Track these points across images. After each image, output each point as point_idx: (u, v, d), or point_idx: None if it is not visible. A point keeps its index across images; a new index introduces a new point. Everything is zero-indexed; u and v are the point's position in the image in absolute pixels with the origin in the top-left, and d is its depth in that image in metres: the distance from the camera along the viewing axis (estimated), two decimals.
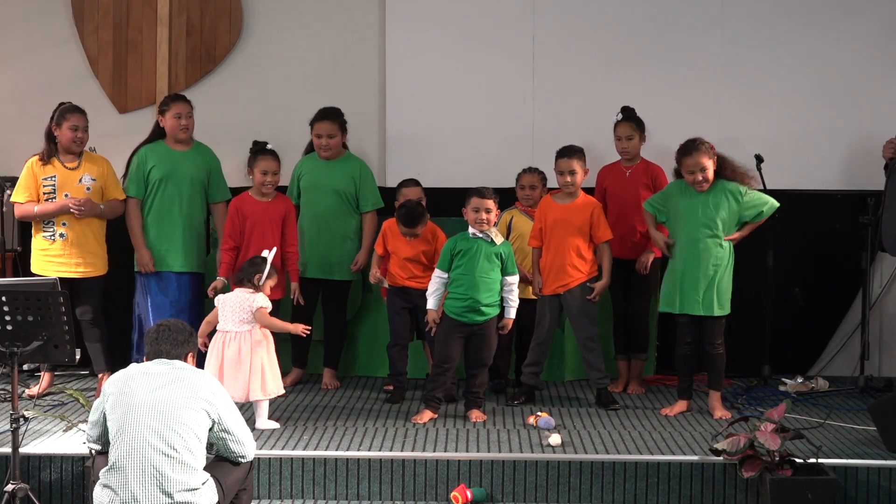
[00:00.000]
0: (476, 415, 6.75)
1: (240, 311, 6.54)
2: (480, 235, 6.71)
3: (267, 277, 6.61)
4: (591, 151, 7.40)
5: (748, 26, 8.20)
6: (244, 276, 6.64)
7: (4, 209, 7.83)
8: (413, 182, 7.60)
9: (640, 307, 7.61)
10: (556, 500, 5.94)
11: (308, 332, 6.67)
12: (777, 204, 6.86)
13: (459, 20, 8.28)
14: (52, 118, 7.21)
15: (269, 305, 6.59)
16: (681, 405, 6.97)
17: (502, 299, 6.82)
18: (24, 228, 8.12)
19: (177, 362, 4.98)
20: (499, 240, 6.76)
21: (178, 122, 7.39)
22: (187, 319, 7.12)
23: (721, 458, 5.81)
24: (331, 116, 7.55)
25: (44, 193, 7.15)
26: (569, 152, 7.12)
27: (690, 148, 6.78)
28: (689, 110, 8.09)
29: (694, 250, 6.81)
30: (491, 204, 6.70)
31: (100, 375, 7.26)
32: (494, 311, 6.78)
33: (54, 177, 7.15)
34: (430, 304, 6.81)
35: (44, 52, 8.41)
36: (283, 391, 6.68)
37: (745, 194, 6.80)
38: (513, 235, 7.43)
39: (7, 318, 5.30)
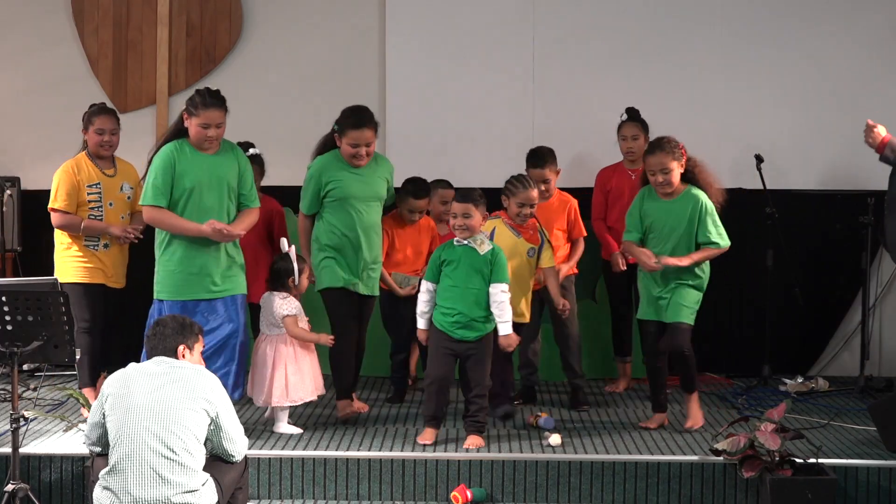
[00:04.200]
0: (472, 441, 6.16)
1: (269, 315, 6.45)
2: (465, 243, 6.25)
3: (300, 273, 6.43)
4: (592, 152, 7.40)
5: (748, 26, 8.20)
6: (277, 283, 6.45)
7: (4, 209, 7.83)
8: (447, 183, 7.41)
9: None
10: (556, 500, 5.93)
11: (333, 343, 6.44)
12: (728, 245, 6.42)
13: (459, 21, 8.28)
14: (83, 119, 6.85)
15: (297, 313, 6.39)
16: (658, 419, 6.59)
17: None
18: (25, 229, 8.12)
19: (176, 361, 4.97)
20: (483, 248, 6.22)
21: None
22: (242, 341, 6.30)
23: (721, 458, 5.80)
24: (373, 123, 6.62)
25: (88, 202, 6.72)
26: (540, 161, 6.93)
27: (654, 146, 6.42)
28: (690, 110, 8.10)
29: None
30: (472, 209, 6.20)
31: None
32: (489, 327, 6.26)
33: (98, 184, 6.75)
34: (421, 323, 6.32)
35: (44, 52, 8.41)
36: (313, 396, 6.45)
37: (705, 213, 6.35)
38: None
39: (7, 318, 5.30)
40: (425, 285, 6.33)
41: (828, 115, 8.18)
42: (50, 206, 6.72)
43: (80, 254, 6.74)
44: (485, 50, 8.27)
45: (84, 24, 8.39)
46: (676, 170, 6.34)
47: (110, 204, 6.76)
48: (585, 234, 7.22)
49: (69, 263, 6.75)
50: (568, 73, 8.25)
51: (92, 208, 6.72)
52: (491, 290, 6.18)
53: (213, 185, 6.22)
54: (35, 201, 8.20)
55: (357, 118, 6.56)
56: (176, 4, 8.36)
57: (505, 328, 6.22)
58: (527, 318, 6.68)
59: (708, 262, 6.44)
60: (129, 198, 6.84)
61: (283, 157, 7.65)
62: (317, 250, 6.63)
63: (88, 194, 6.70)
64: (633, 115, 7.50)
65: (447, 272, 6.25)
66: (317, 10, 8.40)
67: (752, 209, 7.76)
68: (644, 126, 7.46)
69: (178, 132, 6.28)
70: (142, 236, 6.79)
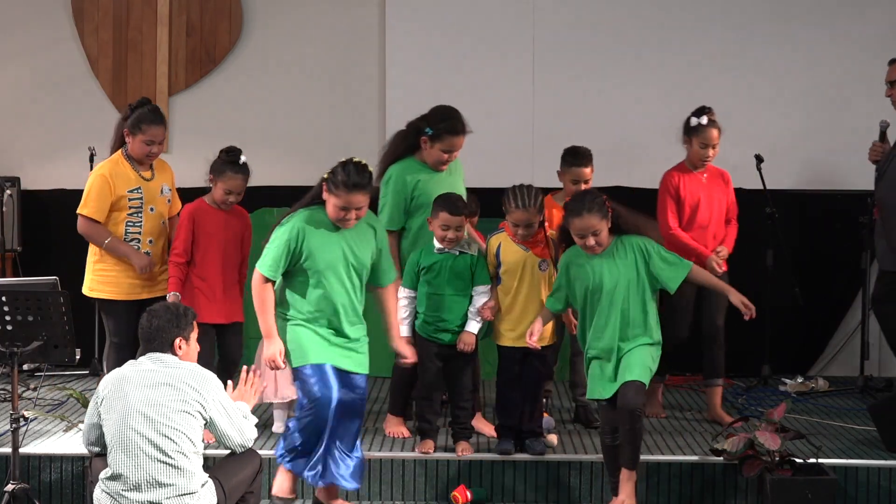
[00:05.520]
0: (463, 447, 6.03)
1: None
2: (447, 250, 6.01)
3: None
4: (591, 153, 7.36)
5: (749, 26, 8.21)
6: None
7: (4, 209, 7.83)
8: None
9: (716, 325, 6.84)
10: (556, 500, 5.93)
11: None
12: (690, 264, 5.69)
13: (459, 20, 8.30)
14: (125, 118, 6.28)
15: None
16: None
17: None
18: (25, 229, 8.12)
19: (171, 359, 4.90)
20: (470, 249, 6.01)
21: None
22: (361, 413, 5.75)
23: (721, 458, 5.81)
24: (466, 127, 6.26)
25: (129, 206, 6.24)
26: (583, 160, 6.51)
27: (579, 208, 5.50)
28: (689, 110, 8.08)
29: (608, 322, 5.59)
30: (462, 221, 5.94)
31: None
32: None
33: (139, 188, 6.25)
34: (404, 331, 6.02)
35: (44, 52, 8.41)
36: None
37: (651, 254, 5.59)
38: (501, 269, 6.06)
39: (7, 318, 5.30)
40: (403, 292, 6.06)
41: (827, 116, 8.19)
42: (78, 209, 6.21)
43: (115, 266, 6.24)
44: (485, 50, 8.28)
45: (84, 24, 8.40)
46: (605, 228, 5.53)
47: (151, 209, 6.28)
48: None
49: (98, 276, 6.28)
50: (567, 73, 8.26)
51: (131, 214, 6.22)
52: (474, 291, 6.01)
53: (343, 264, 5.51)
54: (35, 201, 8.22)
55: (454, 123, 6.21)
56: (176, 4, 8.37)
57: (472, 326, 6.00)
58: (549, 340, 6.07)
59: (658, 322, 5.66)
60: (168, 200, 6.40)
61: (283, 157, 7.65)
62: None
63: (129, 200, 6.21)
64: (712, 116, 6.74)
65: (427, 279, 6.02)
66: (317, 9, 8.40)
67: (752, 209, 7.75)
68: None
69: (317, 199, 5.51)
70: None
